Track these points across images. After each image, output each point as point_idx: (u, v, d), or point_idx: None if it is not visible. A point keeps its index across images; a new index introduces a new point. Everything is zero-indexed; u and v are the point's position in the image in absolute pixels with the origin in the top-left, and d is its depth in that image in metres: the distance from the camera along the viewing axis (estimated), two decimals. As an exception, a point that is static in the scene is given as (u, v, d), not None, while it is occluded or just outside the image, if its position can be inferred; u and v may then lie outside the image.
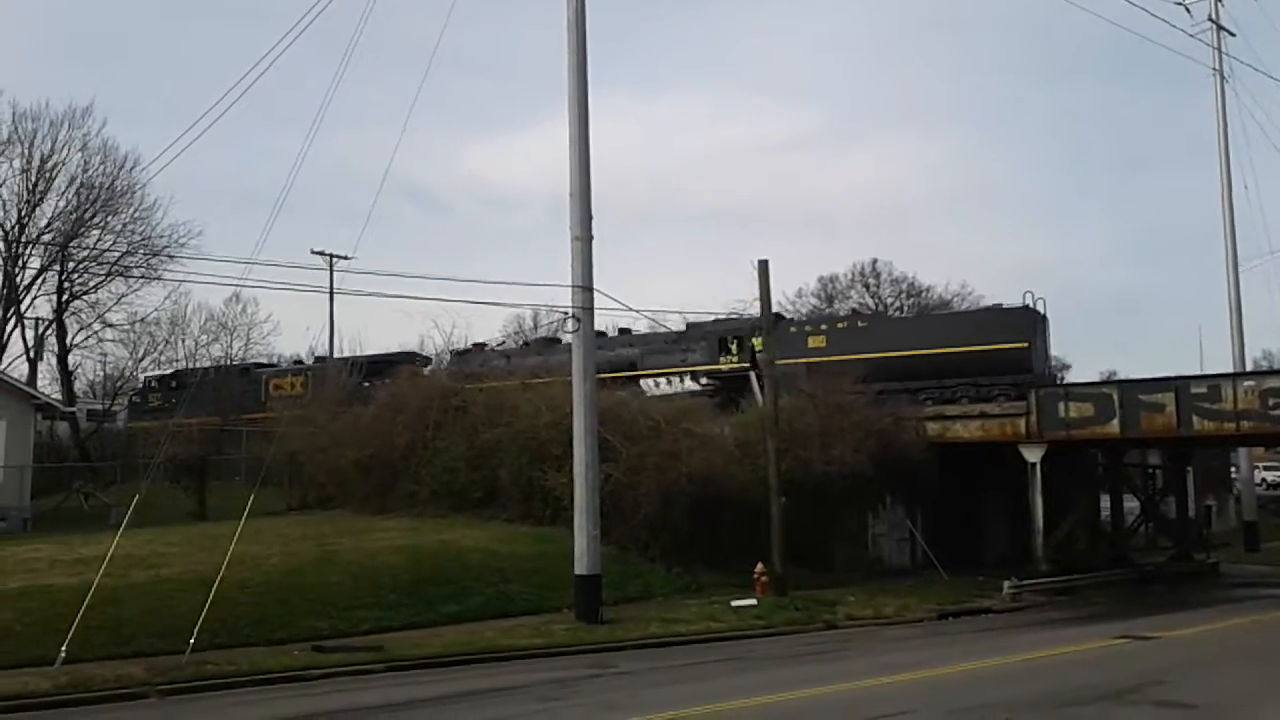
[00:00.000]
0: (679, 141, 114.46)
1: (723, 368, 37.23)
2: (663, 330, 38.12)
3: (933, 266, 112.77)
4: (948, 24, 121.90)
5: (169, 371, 48.90)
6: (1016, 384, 32.31)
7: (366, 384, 39.49)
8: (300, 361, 50.92)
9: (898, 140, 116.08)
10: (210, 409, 39.98)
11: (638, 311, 45.06)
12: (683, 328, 40.06)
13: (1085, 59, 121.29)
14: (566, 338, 42.24)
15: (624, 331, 41.79)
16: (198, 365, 48.14)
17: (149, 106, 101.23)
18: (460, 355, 43.30)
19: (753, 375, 33.46)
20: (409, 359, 43.65)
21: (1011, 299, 35.24)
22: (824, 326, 36.71)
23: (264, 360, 51.14)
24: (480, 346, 43.17)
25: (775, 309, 30.45)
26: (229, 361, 48.69)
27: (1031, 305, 33.43)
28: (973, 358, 32.16)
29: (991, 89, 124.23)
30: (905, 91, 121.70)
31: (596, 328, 39.47)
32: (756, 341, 34.50)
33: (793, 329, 37.16)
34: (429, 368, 42.50)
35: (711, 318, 38.42)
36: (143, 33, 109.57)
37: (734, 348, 36.93)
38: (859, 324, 36.98)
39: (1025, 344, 32.51)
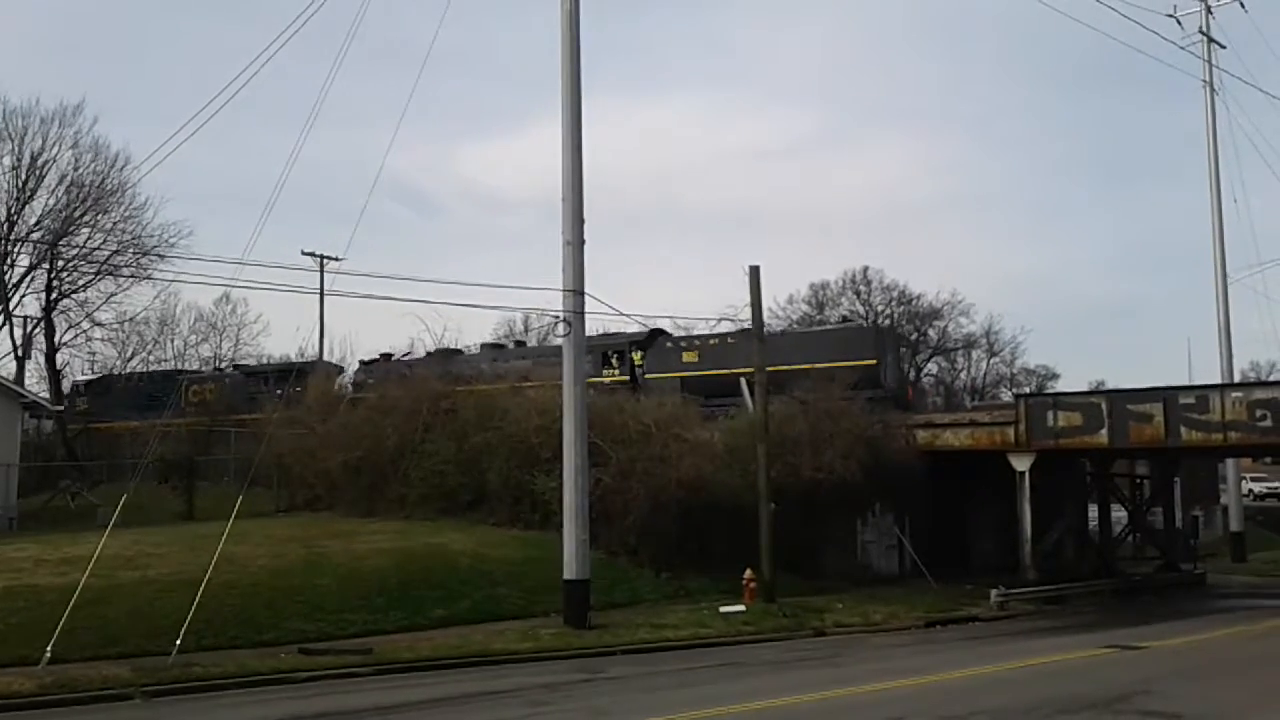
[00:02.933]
0: (673, 145, 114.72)
1: (605, 379, 38.58)
2: (552, 345, 40.32)
3: (924, 274, 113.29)
4: (941, 31, 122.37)
5: (96, 376, 49.18)
6: (867, 398, 33.57)
7: (280, 391, 40.44)
8: (219, 367, 51.74)
9: (892, 145, 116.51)
10: (135, 413, 41.06)
11: (628, 316, 45.48)
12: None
13: (1078, 68, 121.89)
14: (470, 349, 44.57)
15: (520, 344, 45.11)
16: (124, 370, 48.85)
17: (140, 105, 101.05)
18: (367, 365, 45.15)
19: (743, 381, 33.94)
20: (319, 367, 44.97)
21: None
22: (697, 343, 38.40)
23: (185, 367, 52.01)
24: (387, 357, 45.14)
25: (765, 316, 30.59)
26: (150, 368, 49.48)
27: (881, 325, 35.04)
28: (828, 373, 33.20)
29: (984, 96, 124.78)
30: (900, 97, 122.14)
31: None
32: (635, 356, 37.29)
33: (669, 345, 39.45)
34: (340, 376, 44.27)
35: (600, 331, 40.50)
36: (134, 31, 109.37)
37: (615, 361, 38.60)
38: (728, 340, 38.41)
39: (874, 360, 34.79)
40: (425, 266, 54.86)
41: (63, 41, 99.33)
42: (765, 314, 29.42)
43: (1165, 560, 38.26)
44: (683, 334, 40.17)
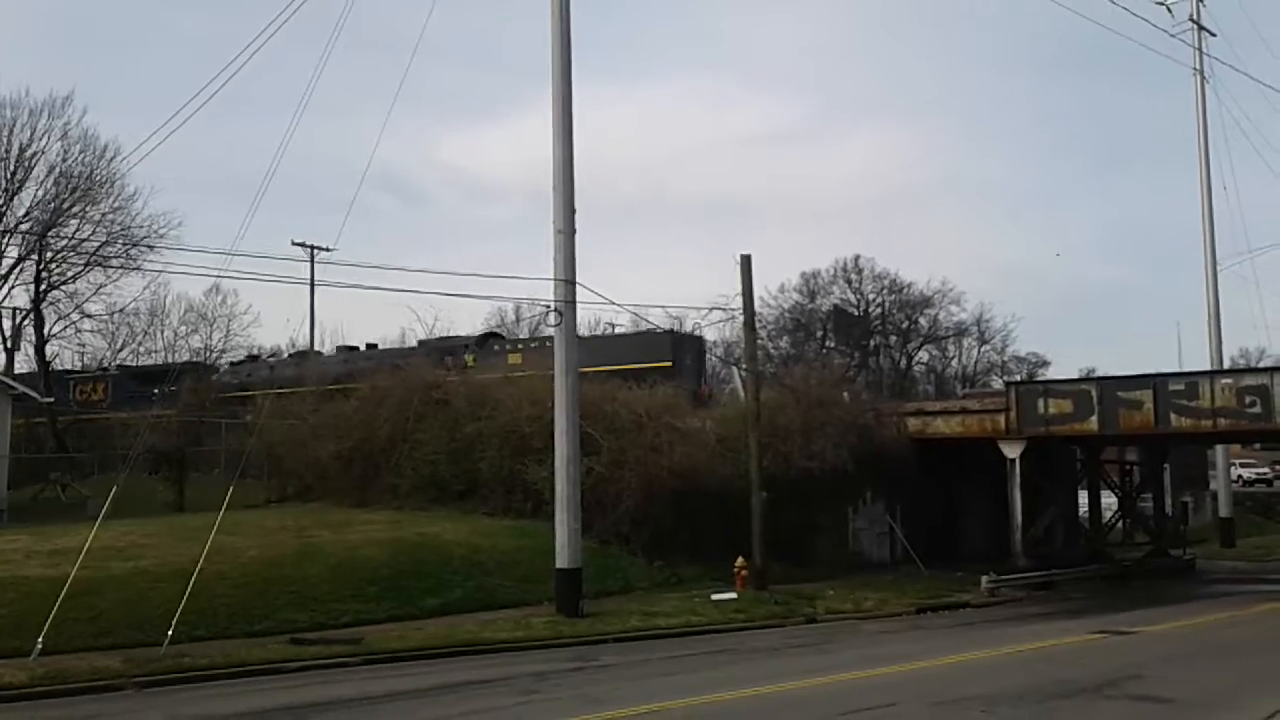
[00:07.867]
0: (663, 133, 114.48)
1: None
2: (402, 347, 44.15)
3: (916, 262, 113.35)
4: (932, 19, 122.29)
5: None
6: None
7: (156, 391, 41.14)
8: (103, 367, 52.13)
9: (882, 133, 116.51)
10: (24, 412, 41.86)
11: (619, 305, 46.34)
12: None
13: (1068, 55, 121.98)
14: (325, 350, 46.26)
15: (371, 346, 46.91)
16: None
17: (129, 96, 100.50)
18: (235, 366, 47.41)
19: (735, 369, 34.51)
20: (193, 368, 46.52)
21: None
22: (520, 346, 41.51)
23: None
24: (254, 359, 47.59)
25: (757, 306, 30.73)
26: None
27: (678, 330, 38.68)
28: (629, 374, 34.16)
29: (974, 84, 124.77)
30: (890, 85, 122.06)
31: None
32: (469, 358, 39.16)
33: (496, 347, 42.49)
34: (215, 377, 45.21)
35: (438, 335, 44.16)
36: (123, 22, 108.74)
37: (450, 362, 39.52)
38: (547, 344, 39.95)
39: (670, 363, 36.34)
40: (410, 255, 54.87)
41: (52, 33, 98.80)
42: (757, 304, 29.50)
43: (1155, 546, 38.42)
44: (511, 338, 44.06)
